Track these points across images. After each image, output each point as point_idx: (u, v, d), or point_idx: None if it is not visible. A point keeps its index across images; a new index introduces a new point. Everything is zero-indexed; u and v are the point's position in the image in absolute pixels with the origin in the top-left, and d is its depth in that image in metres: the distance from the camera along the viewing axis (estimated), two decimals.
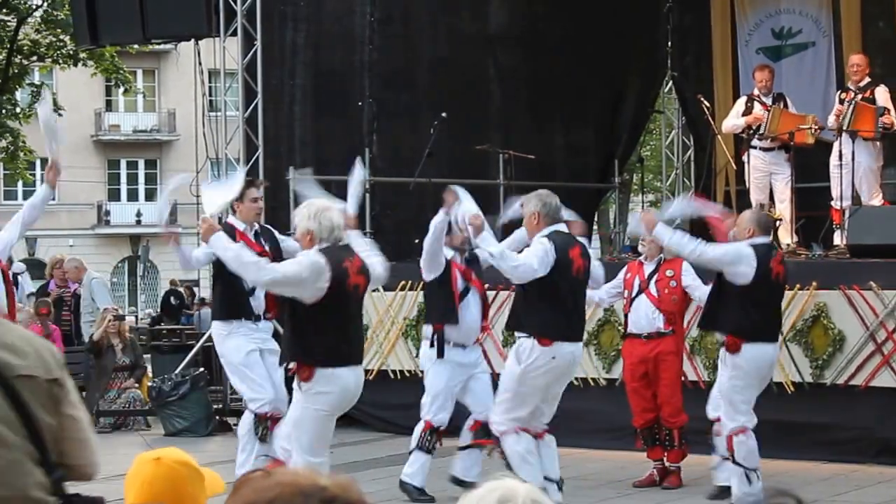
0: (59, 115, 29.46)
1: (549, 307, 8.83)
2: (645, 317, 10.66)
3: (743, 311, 9.44)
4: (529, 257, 8.84)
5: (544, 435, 9.16)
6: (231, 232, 9.53)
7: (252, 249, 9.48)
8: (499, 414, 9.05)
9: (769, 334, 9.71)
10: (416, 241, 14.71)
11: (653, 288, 10.63)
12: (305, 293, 7.66)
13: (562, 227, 9.05)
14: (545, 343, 8.82)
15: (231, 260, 7.96)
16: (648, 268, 10.75)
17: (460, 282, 10.29)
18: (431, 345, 10.19)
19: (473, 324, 10.38)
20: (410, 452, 10.27)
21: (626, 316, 10.89)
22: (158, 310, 26.06)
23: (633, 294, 10.71)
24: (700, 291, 10.55)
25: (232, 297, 9.67)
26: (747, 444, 9.47)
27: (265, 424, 9.49)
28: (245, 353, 9.56)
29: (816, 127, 13.80)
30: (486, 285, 10.47)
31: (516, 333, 9.26)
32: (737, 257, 9.47)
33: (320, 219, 7.77)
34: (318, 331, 7.71)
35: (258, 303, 9.72)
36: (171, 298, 24.43)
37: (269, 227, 10.24)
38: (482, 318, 10.38)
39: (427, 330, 10.38)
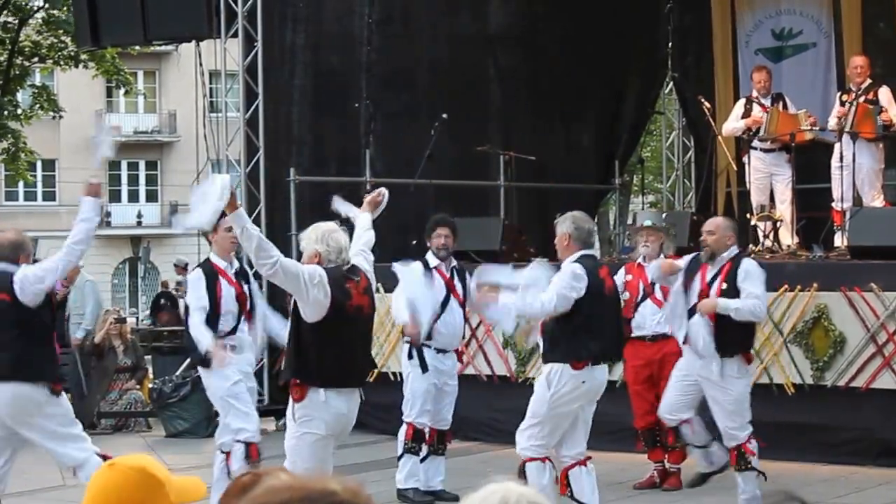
0: (61, 116, 29.55)
1: (584, 331, 8.65)
2: (651, 320, 10.63)
3: (749, 327, 9.51)
4: (561, 287, 8.60)
5: (586, 462, 8.94)
6: (213, 272, 9.59)
7: (232, 289, 9.57)
8: (525, 440, 8.83)
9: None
10: (414, 242, 14.76)
11: (658, 292, 10.60)
12: (305, 296, 7.62)
13: (591, 252, 8.96)
14: (577, 367, 8.66)
15: (247, 237, 7.71)
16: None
17: (442, 291, 10.37)
18: (410, 356, 10.35)
19: (455, 330, 10.51)
20: (399, 458, 10.40)
21: (628, 320, 10.81)
22: (149, 312, 25.97)
23: (639, 298, 10.67)
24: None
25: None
26: (757, 448, 9.48)
27: (248, 452, 9.52)
28: (231, 382, 9.55)
29: (811, 123, 13.80)
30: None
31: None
32: (762, 279, 9.43)
33: (328, 241, 7.74)
34: (318, 351, 7.66)
35: (242, 334, 9.71)
36: (162, 300, 24.37)
37: (246, 268, 10.21)
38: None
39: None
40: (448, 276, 10.56)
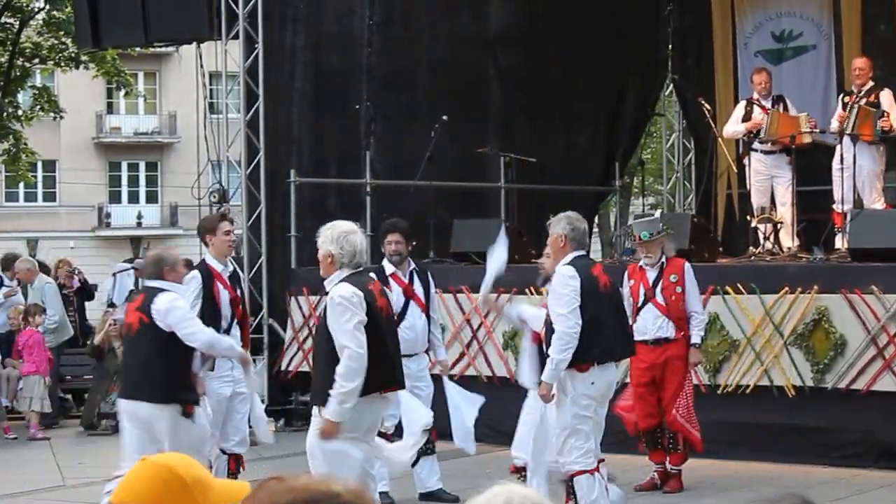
0: (62, 117, 29.54)
1: (584, 333, 8.60)
2: (652, 324, 10.58)
3: None
4: (562, 317, 8.58)
5: (599, 468, 8.88)
6: (209, 274, 9.59)
7: (227, 293, 9.58)
8: (567, 454, 8.71)
9: None
10: (414, 243, 14.74)
11: (659, 296, 10.55)
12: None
13: (584, 253, 8.90)
14: (583, 369, 8.64)
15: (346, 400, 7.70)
16: (651, 274, 10.64)
17: (398, 297, 10.32)
18: None
19: (417, 334, 10.42)
20: None
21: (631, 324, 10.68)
22: None
23: (640, 303, 10.61)
24: (692, 301, 10.59)
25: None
26: None
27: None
28: (216, 400, 9.53)
29: (812, 127, 13.78)
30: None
31: None
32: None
33: (342, 243, 7.68)
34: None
35: (234, 339, 9.69)
36: None
37: (239, 272, 10.27)
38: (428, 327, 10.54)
39: None
40: (406, 281, 10.49)
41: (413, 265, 10.66)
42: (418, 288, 10.56)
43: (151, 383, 8.67)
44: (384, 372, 7.72)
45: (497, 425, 13.17)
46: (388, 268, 10.47)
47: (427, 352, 10.69)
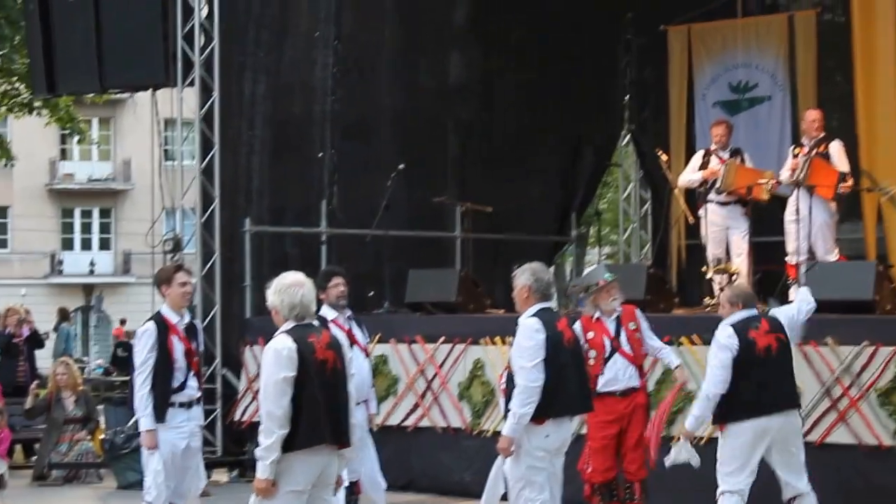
0: (13, 165, 29.30)
1: (546, 387, 8.49)
2: (623, 374, 10.48)
3: None
4: (525, 370, 8.49)
5: None
6: (164, 326, 9.48)
7: (182, 345, 9.49)
8: None
9: None
10: (371, 293, 14.65)
11: (626, 346, 10.48)
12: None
13: (549, 305, 8.82)
14: (538, 422, 8.53)
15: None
16: (611, 325, 10.57)
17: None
18: None
19: (362, 379, 10.03)
20: None
21: (595, 376, 10.50)
22: (109, 363, 25.93)
23: (606, 354, 10.51)
24: (650, 338, 10.58)
25: (161, 400, 9.47)
26: None
27: None
28: (170, 452, 9.43)
29: (774, 182, 13.78)
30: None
31: None
32: None
33: (282, 295, 7.62)
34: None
35: (192, 391, 9.60)
36: (119, 350, 24.26)
37: (195, 323, 10.06)
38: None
39: None
40: (347, 327, 10.26)
41: (350, 312, 10.45)
42: (358, 334, 10.40)
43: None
44: (318, 426, 7.47)
45: (451, 476, 13.10)
46: (330, 314, 10.18)
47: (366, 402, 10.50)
